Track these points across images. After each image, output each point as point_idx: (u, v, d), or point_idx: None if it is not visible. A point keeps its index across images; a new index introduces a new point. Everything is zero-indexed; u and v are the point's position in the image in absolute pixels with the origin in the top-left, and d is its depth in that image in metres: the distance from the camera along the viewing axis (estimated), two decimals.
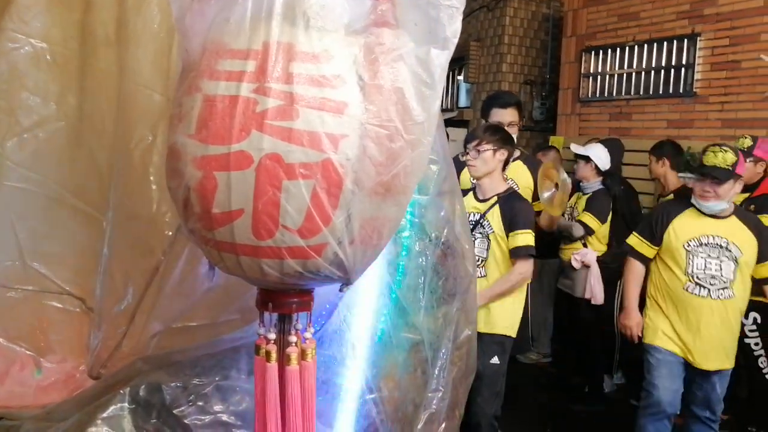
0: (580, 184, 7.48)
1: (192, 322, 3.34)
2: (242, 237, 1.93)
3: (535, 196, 5.61)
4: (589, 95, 11.06)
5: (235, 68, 1.91)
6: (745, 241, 4.95)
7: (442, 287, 2.91)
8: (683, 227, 5.06)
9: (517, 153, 5.72)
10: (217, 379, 2.78)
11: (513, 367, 4.66)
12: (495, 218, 4.83)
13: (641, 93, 10.14)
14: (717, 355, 5.03)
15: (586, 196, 7.36)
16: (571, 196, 7.20)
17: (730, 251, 4.92)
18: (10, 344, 3.92)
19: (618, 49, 10.54)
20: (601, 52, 10.85)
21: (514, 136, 5.51)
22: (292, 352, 2.15)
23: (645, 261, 5.24)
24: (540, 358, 8.57)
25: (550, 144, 10.64)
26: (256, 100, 1.87)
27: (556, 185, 5.55)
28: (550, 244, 7.18)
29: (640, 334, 5.27)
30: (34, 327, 3.96)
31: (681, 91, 9.46)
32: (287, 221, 1.89)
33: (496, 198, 4.90)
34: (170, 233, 3.30)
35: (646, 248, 5.20)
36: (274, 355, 2.17)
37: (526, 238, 4.77)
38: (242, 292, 2.92)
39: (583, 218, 7.21)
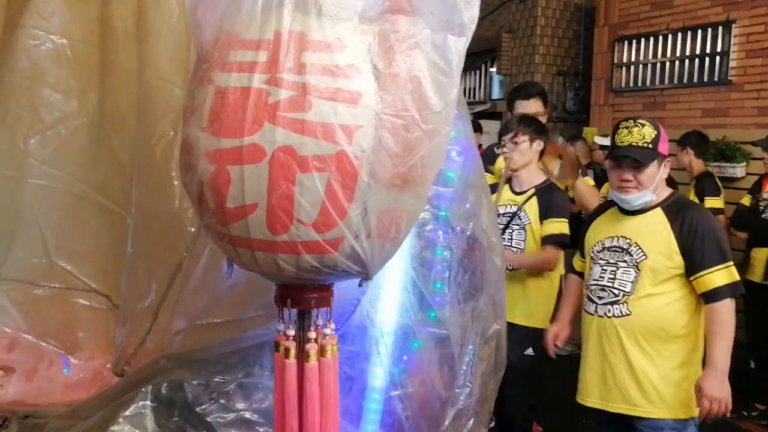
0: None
1: (216, 319, 3.30)
2: (257, 232, 1.88)
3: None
4: (623, 85, 11.00)
5: (247, 59, 1.86)
6: (659, 242, 3.75)
7: (469, 281, 2.84)
8: (596, 229, 4.07)
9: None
10: (240, 376, 2.74)
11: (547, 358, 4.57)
12: (532, 210, 4.80)
13: (675, 82, 10.05)
14: (602, 391, 3.87)
15: None
16: (601, 186, 7.47)
17: (630, 254, 3.79)
18: (39, 341, 3.91)
19: (651, 37, 10.46)
20: (634, 41, 10.77)
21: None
22: (312, 348, 2.10)
23: (577, 273, 4.37)
24: (575, 350, 8.46)
25: (582, 135, 10.62)
26: (268, 91, 1.82)
27: (560, 156, 5.43)
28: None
29: (557, 344, 4.35)
30: (61, 324, 3.95)
31: (716, 79, 9.37)
32: (302, 215, 1.84)
33: (533, 190, 4.87)
34: (193, 229, 3.26)
35: (577, 260, 4.35)
36: (293, 352, 2.12)
37: (559, 226, 4.74)
38: (266, 287, 2.86)
39: None
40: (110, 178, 3.87)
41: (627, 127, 3.77)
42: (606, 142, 7.14)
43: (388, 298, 2.57)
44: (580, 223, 4.44)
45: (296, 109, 1.81)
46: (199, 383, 2.72)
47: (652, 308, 3.71)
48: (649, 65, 10.47)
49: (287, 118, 1.80)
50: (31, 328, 3.91)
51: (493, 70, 14.34)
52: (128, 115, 3.73)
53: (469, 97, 15.15)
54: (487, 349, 3.05)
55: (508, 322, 4.29)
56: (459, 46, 1.98)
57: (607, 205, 4.16)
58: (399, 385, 2.74)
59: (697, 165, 7.40)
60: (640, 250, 3.75)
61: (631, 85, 10.83)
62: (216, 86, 1.88)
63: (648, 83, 10.48)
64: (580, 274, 4.25)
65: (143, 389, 2.73)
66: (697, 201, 6.92)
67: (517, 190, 4.93)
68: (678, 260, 3.67)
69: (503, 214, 4.85)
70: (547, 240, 4.73)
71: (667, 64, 10.22)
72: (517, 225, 4.81)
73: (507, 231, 4.80)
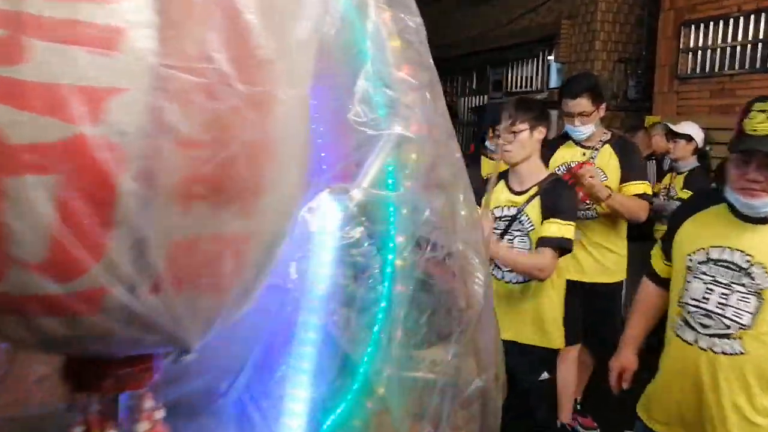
0: (674, 163, 7.17)
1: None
2: None
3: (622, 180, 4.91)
4: (689, 72, 10.53)
5: None
6: None
7: (427, 324, 1.98)
8: (696, 230, 3.05)
9: (607, 135, 5.09)
10: None
11: None
12: (535, 212, 3.91)
13: (746, 67, 9.58)
14: None
15: (683, 175, 6.95)
16: (663, 176, 7.33)
17: (751, 277, 2.83)
18: None
19: (720, 21, 10.01)
20: (701, 25, 10.32)
21: (591, 125, 4.95)
22: None
23: (658, 281, 3.31)
24: None
25: (645, 124, 9.94)
26: None
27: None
28: (641, 226, 6.33)
29: (624, 385, 3.34)
30: None
31: None
32: (20, 251, 1.02)
33: (536, 188, 3.96)
34: None
35: (659, 262, 3.31)
36: None
37: (561, 228, 3.82)
38: None
39: (683, 197, 6.56)
40: None
41: (764, 111, 2.71)
42: (680, 129, 7.02)
43: (279, 363, 1.72)
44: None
45: (3, 59, 0.99)
46: None
47: None
48: (718, 50, 10.03)
49: None
50: None
51: (551, 58, 13.82)
52: None
53: (526, 86, 14.79)
54: (466, 414, 2.18)
55: (518, 344, 3.86)
56: None
57: (708, 197, 3.17)
58: None
59: None
60: (765, 274, 2.80)
61: (698, 71, 10.36)
62: None
63: (716, 69, 10.01)
64: (662, 282, 3.25)
65: None
66: None
67: (517, 188, 4.04)
68: None
69: (500, 218, 4.02)
70: (545, 242, 3.80)
71: (738, 48, 9.67)
72: (519, 231, 3.94)
73: (505, 239, 3.95)
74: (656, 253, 3.29)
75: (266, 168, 1.13)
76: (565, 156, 4.99)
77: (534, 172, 4.01)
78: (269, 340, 1.76)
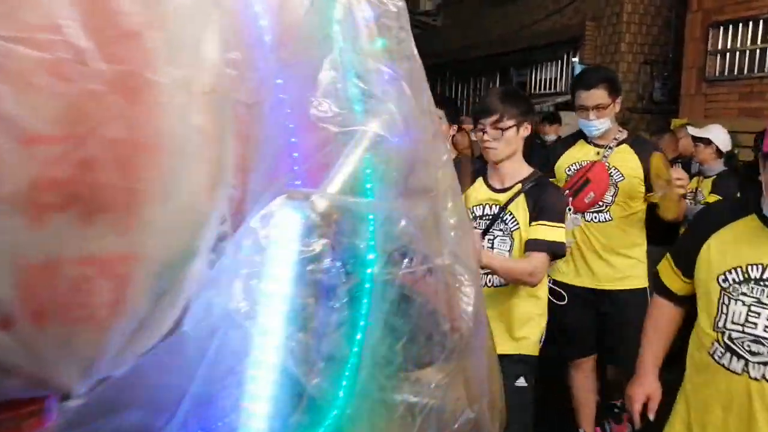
0: (701, 167, 7.12)
1: None
2: None
3: (647, 188, 4.55)
4: (717, 74, 10.50)
5: None
6: None
7: (403, 353, 1.72)
8: (726, 245, 2.74)
9: (623, 134, 4.76)
10: None
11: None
12: (521, 211, 3.66)
13: None
14: None
15: (710, 179, 6.81)
16: (690, 179, 6.79)
17: None
18: None
19: (750, 22, 10.05)
20: (730, 26, 10.33)
21: (606, 120, 4.59)
22: None
23: (675, 299, 2.99)
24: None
25: (671, 127, 9.79)
26: None
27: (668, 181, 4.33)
28: (668, 230, 6.14)
29: (651, 415, 3.01)
30: None
31: None
32: None
33: (519, 186, 3.71)
34: None
35: (674, 278, 2.97)
36: None
37: (551, 231, 3.58)
38: None
39: (711, 201, 6.39)
40: None
41: None
42: (699, 133, 6.99)
43: (223, 396, 1.47)
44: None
45: None
46: None
47: None
48: (748, 52, 10.05)
49: None
50: None
51: (576, 60, 13.71)
52: None
53: (550, 88, 14.73)
54: None
55: None
56: None
57: (732, 210, 2.86)
58: None
59: None
60: None
61: (726, 73, 10.30)
62: None
63: (745, 71, 10.04)
64: (680, 301, 2.97)
65: None
66: None
67: (498, 186, 3.79)
68: None
69: (480, 217, 3.77)
70: (534, 245, 3.54)
71: None
72: (500, 231, 3.67)
73: (485, 239, 3.68)
74: (668, 269, 2.97)
75: (147, 171, 0.88)
76: (577, 155, 4.68)
77: (517, 170, 3.77)
78: (210, 371, 1.50)
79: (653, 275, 3.17)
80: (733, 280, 2.65)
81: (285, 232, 1.56)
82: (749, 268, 2.63)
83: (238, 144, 1.30)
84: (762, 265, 2.60)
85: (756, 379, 2.58)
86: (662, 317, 3.04)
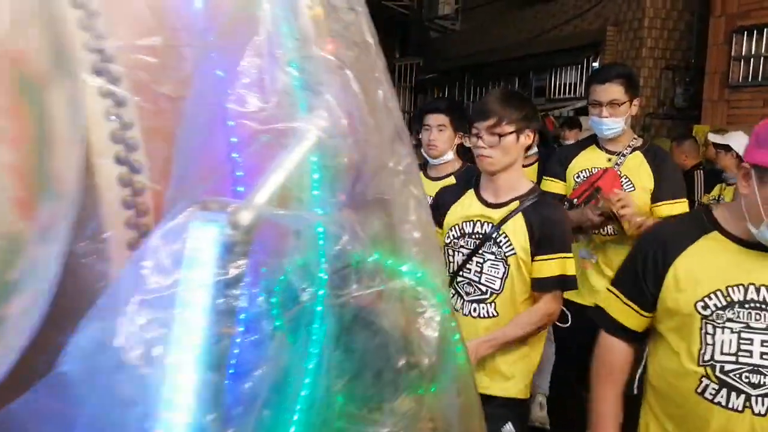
0: (723, 174, 7.10)
1: None
2: None
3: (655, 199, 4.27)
4: (740, 80, 10.55)
5: None
6: None
7: (345, 393, 1.46)
8: (696, 271, 2.46)
9: (637, 142, 4.45)
10: None
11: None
12: (518, 232, 3.28)
13: None
14: None
15: (732, 186, 6.62)
16: (713, 186, 7.17)
17: None
18: None
19: None
20: (755, 31, 10.37)
21: (620, 120, 4.25)
22: None
23: (629, 337, 2.65)
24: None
25: (693, 133, 9.97)
26: None
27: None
28: None
29: None
30: None
31: None
32: None
33: (517, 203, 3.32)
34: None
35: (628, 313, 2.62)
36: None
37: (562, 265, 3.26)
38: None
39: None
40: None
41: None
42: (720, 140, 7.05)
43: None
44: None
45: None
46: None
47: None
48: None
49: None
50: None
51: (596, 65, 13.63)
52: None
53: (570, 93, 14.77)
54: None
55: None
56: None
57: (690, 227, 2.57)
58: None
59: None
60: None
61: (750, 79, 10.35)
62: None
63: None
64: (635, 338, 2.64)
65: None
66: None
67: (492, 200, 3.38)
68: None
69: (469, 235, 3.39)
70: (544, 286, 3.25)
71: None
72: (492, 254, 3.27)
73: (473, 261, 3.32)
74: (618, 303, 2.64)
75: None
76: (587, 162, 4.39)
77: (515, 183, 3.39)
78: (93, 422, 1.25)
79: (593, 312, 2.84)
80: (715, 305, 2.40)
81: (195, 251, 1.28)
82: (730, 290, 2.40)
83: (162, 144, 1.10)
84: (743, 285, 2.38)
85: (761, 414, 2.33)
86: (617, 361, 2.71)
